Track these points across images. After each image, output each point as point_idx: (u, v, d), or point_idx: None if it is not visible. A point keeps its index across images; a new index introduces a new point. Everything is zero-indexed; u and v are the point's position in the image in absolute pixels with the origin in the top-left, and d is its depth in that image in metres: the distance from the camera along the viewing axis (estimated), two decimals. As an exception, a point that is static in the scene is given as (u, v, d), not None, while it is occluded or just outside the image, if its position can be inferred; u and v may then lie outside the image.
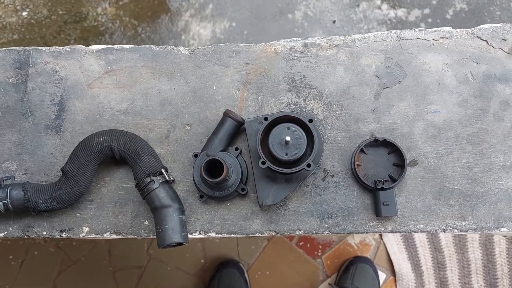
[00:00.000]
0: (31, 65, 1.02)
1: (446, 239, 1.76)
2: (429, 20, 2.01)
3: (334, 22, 2.04)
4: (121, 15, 2.06)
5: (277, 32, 2.03)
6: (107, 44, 1.03)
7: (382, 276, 1.76)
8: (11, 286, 1.83)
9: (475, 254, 1.75)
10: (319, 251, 1.80)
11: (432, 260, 1.76)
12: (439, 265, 1.76)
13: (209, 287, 1.75)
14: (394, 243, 1.78)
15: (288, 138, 0.83)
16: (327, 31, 2.03)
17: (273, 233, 0.95)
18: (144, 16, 2.07)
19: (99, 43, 1.96)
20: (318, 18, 2.04)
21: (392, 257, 1.77)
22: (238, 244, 1.83)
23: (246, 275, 1.77)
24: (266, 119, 0.87)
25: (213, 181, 0.87)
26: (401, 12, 2.03)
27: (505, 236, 1.74)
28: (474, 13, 2.01)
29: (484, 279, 1.75)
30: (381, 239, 1.79)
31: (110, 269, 1.84)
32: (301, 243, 1.81)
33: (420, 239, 1.77)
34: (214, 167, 0.90)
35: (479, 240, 1.75)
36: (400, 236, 1.77)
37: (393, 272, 1.77)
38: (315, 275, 1.79)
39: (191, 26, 2.06)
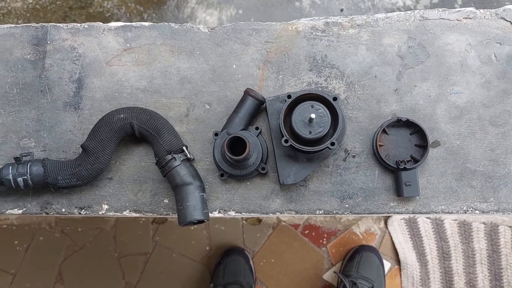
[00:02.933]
0: (49, 42, 1.00)
1: (451, 229, 1.76)
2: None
3: (341, 10, 2.03)
4: (127, 1, 2.04)
5: (284, 20, 2.02)
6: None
7: (387, 265, 1.76)
8: (16, 271, 1.83)
9: (480, 244, 1.75)
10: (324, 239, 1.80)
11: (437, 250, 1.76)
12: (444, 255, 1.76)
13: (214, 274, 1.75)
14: (399, 232, 1.78)
15: (313, 115, 0.82)
16: (334, 20, 2.01)
17: (293, 213, 0.94)
18: (150, 2, 2.05)
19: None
20: (325, 6, 2.03)
21: (397, 246, 1.77)
22: (244, 231, 1.82)
23: (251, 262, 1.77)
24: (289, 96, 0.86)
25: (235, 158, 0.86)
26: (409, 1, 2.02)
27: (510, 227, 1.75)
28: (484, 2, 2.01)
29: (488, 269, 1.75)
30: (386, 228, 1.79)
31: (116, 255, 1.83)
32: (306, 232, 1.81)
33: (425, 229, 1.77)
34: (235, 146, 0.89)
35: (484, 230, 1.75)
36: (405, 225, 1.77)
37: (398, 261, 1.77)
38: (320, 264, 1.79)
39: (197, 13, 2.04)
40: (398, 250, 1.76)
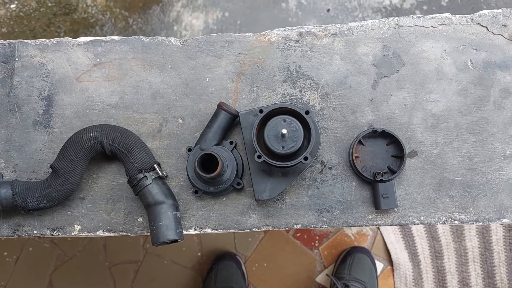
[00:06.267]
0: (17, 59, 0.98)
1: (443, 228, 1.75)
2: (424, 7, 1.98)
3: (328, 10, 2.01)
4: (112, 6, 2.02)
5: (270, 22, 2.00)
6: (98, 36, 1.00)
7: (379, 265, 1.75)
8: (7, 283, 1.81)
9: (472, 242, 1.75)
10: (316, 242, 1.79)
11: (429, 249, 1.75)
12: (437, 254, 1.75)
13: (206, 280, 1.74)
14: (391, 233, 1.77)
15: (284, 131, 0.81)
16: (321, 20, 2.00)
17: (270, 228, 0.92)
18: (135, 7, 2.03)
19: (90, 35, 1.93)
20: (312, 7, 2.01)
21: (389, 246, 1.76)
22: (235, 236, 1.81)
23: (243, 267, 1.76)
24: (261, 111, 0.84)
25: (207, 176, 0.84)
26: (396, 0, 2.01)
27: (502, 224, 1.73)
28: (470, 0, 1.99)
29: (481, 267, 1.74)
30: (378, 229, 1.78)
31: (106, 264, 1.82)
32: (298, 235, 1.80)
33: (417, 229, 1.76)
34: (208, 162, 0.88)
35: (476, 228, 1.74)
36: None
37: (390, 261, 1.76)
38: (313, 266, 1.78)
39: (183, 17, 2.02)
40: (390, 251, 1.75)
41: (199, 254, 1.81)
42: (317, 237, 1.79)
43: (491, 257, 1.74)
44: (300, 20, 2.00)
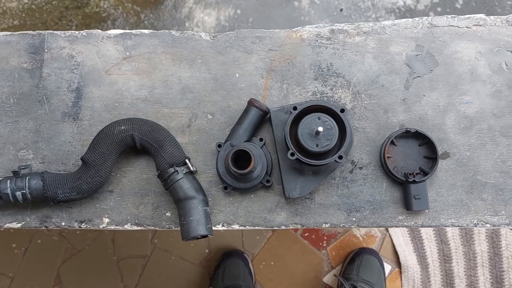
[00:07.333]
0: (46, 50, 0.97)
1: (452, 232, 1.75)
2: (439, 9, 1.98)
3: (341, 10, 2.00)
4: (124, 1, 2.01)
5: (283, 20, 2.00)
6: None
7: (387, 267, 1.75)
8: (15, 275, 1.81)
9: (481, 246, 1.74)
10: (324, 242, 1.78)
11: (438, 253, 1.75)
12: (445, 258, 1.75)
13: (213, 277, 1.73)
14: (399, 235, 1.76)
15: (320, 129, 0.80)
16: (334, 20, 1.99)
17: (299, 226, 0.92)
18: (147, 2, 2.02)
19: (100, 30, 1.92)
20: (325, 6, 2.00)
21: (398, 249, 1.75)
22: (243, 234, 1.81)
23: (250, 265, 1.76)
24: (295, 108, 0.83)
25: (240, 172, 0.83)
26: (410, 1, 2.00)
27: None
28: (485, 2, 1.99)
29: (490, 272, 1.74)
30: (387, 230, 1.77)
31: (114, 258, 1.81)
32: (306, 234, 1.79)
33: (426, 231, 1.76)
34: (239, 158, 0.87)
35: (486, 232, 1.74)
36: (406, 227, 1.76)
37: (398, 264, 1.76)
38: (320, 266, 1.78)
39: (195, 13, 2.01)
40: (399, 253, 1.75)
41: (206, 250, 1.81)
42: (325, 238, 1.79)
43: (500, 262, 1.74)
44: (313, 19, 1.99)
